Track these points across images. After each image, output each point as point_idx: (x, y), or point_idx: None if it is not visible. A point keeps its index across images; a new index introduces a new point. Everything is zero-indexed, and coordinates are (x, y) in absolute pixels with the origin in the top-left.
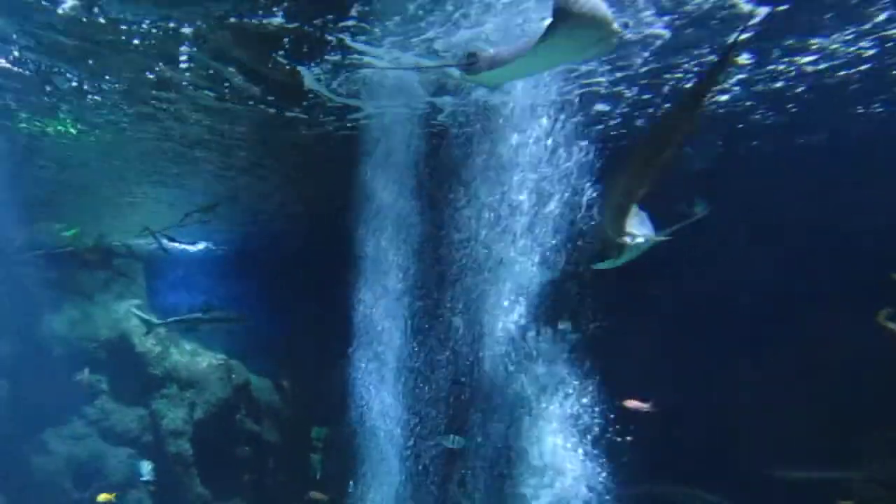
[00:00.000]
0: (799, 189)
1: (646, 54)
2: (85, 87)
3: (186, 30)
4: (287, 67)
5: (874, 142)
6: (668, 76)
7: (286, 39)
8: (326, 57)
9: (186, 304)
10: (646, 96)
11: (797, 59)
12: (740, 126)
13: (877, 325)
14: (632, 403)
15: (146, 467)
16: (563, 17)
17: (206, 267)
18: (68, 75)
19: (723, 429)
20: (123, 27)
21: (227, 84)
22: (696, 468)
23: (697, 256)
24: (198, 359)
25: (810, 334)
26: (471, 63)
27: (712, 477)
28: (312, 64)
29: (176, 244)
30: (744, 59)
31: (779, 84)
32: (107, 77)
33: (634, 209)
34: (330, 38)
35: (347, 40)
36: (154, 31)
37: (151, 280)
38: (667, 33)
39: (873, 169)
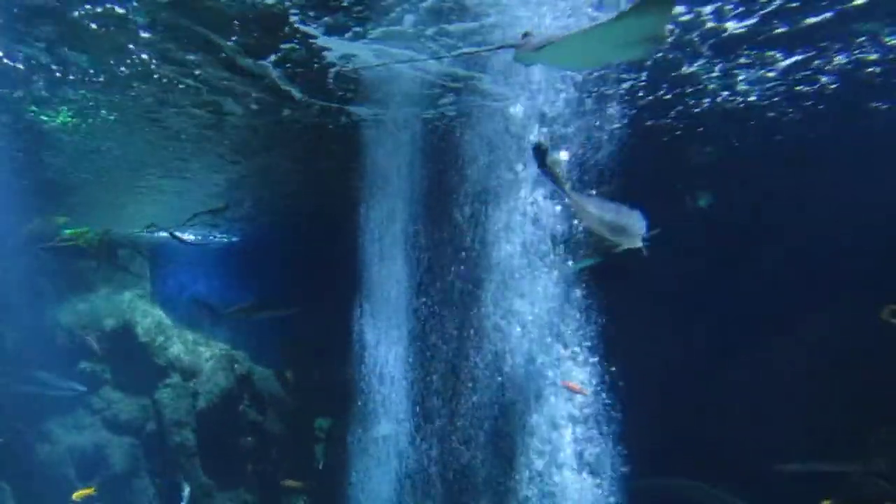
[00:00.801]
0: (805, 184)
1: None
2: (70, 77)
3: (120, 9)
4: (250, 60)
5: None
6: (705, 76)
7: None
8: (282, 46)
9: (190, 295)
10: (667, 96)
11: (856, 51)
12: (752, 123)
13: (881, 321)
14: (569, 385)
15: (185, 489)
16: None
17: (210, 258)
18: (53, 67)
19: (726, 421)
20: (76, 13)
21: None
22: (698, 461)
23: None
24: (200, 349)
25: (815, 330)
26: (524, 43)
27: (715, 470)
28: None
29: (183, 237)
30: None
31: (823, 79)
32: (91, 70)
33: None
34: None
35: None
36: (98, 10)
37: (156, 271)
38: (733, 26)
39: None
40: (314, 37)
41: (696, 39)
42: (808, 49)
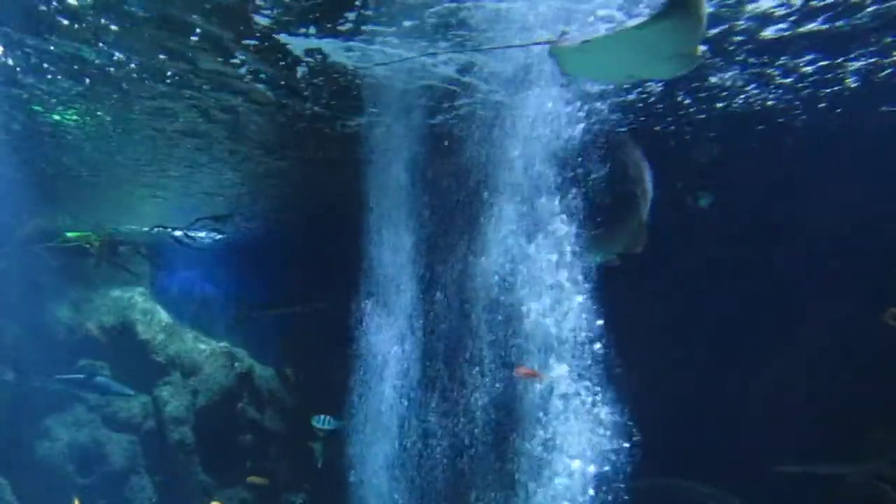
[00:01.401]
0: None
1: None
2: (59, 76)
3: (73, 1)
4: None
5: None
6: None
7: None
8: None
9: (190, 293)
10: (687, 101)
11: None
12: (760, 128)
13: (883, 324)
14: (523, 371)
15: None
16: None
17: (211, 255)
18: (44, 65)
19: (725, 423)
20: (43, 7)
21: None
22: (696, 461)
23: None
24: (200, 346)
25: (815, 329)
26: (562, 39)
27: (713, 470)
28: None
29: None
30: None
31: (848, 80)
32: (76, 67)
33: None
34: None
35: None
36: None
37: (155, 269)
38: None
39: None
40: (275, 30)
41: (733, 46)
42: (845, 50)
